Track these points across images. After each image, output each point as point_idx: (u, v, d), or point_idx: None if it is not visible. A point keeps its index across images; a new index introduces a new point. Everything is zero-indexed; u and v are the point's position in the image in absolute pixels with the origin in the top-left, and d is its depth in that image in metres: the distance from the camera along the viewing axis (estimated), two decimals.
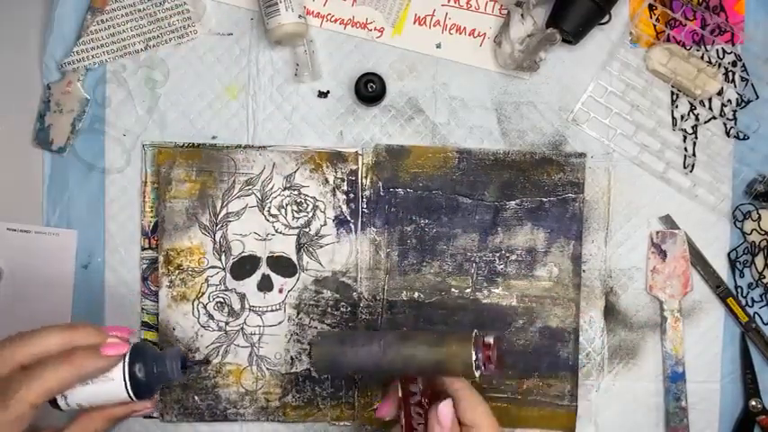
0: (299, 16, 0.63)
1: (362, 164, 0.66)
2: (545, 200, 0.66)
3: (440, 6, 0.66)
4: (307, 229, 0.66)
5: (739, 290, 0.67)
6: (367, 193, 0.66)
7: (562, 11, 0.62)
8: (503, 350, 0.58)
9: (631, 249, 0.67)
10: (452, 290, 0.66)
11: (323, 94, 0.66)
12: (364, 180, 0.66)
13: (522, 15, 0.63)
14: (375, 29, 0.66)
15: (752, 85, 0.67)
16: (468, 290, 0.66)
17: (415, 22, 0.66)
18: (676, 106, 0.67)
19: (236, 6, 0.66)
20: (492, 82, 0.67)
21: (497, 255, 0.66)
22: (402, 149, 0.66)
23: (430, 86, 0.67)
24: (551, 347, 0.66)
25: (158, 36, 0.66)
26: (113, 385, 0.50)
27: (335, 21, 0.66)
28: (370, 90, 0.64)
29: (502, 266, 0.66)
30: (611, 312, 0.67)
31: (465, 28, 0.66)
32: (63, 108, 0.66)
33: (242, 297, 0.66)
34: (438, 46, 0.66)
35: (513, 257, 0.66)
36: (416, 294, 0.66)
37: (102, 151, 0.66)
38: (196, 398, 0.66)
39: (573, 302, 0.66)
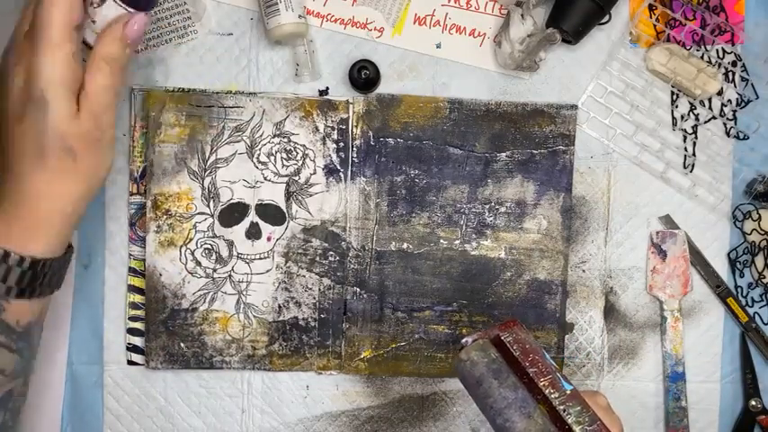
0: (299, 16, 0.63)
1: (353, 112, 0.65)
2: (536, 152, 0.66)
3: (440, 6, 0.66)
4: (296, 178, 0.65)
5: (739, 290, 0.67)
6: (357, 142, 0.65)
7: (562, 11, 0.62)
8: None
9: (631, 249, 0.67)
10: (441, 241, 0.66)
11: (323, 93, 0.66)
12: (355, 129, 0.65)
13: (522, 15, 0.63)
14: (375, 29, 0.66)
15: (752, 85, 0.67)
16: (456, 241, 0.66)
17: (415, 22, 0.66)
18: (676, 106, 0.67)
19: (236, 6, 0.66)
20: (492, 82, 0.67)
21: (487, 207, 0.66)
22: (393, 98, 0.65)
23: (430, 86, 0.67)
24: (539, 300, 0.66)
25: (158, 36, 0.66)
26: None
27: (335, 21, 0.66)
28: (363, 76, 0.64)
29: (491, 218, 0.66)
30: (611, 312, 0.67)
31: (465, 28, 0.66)
32: None
33: (230, 244, 0.65)
34: (438, 46, 0.66)
35: (503, 209, 0.66)
36: (405, 245, 0.66)
37: None
38: (182, 345, 0.65)
39: (561, 255, 0.66)
